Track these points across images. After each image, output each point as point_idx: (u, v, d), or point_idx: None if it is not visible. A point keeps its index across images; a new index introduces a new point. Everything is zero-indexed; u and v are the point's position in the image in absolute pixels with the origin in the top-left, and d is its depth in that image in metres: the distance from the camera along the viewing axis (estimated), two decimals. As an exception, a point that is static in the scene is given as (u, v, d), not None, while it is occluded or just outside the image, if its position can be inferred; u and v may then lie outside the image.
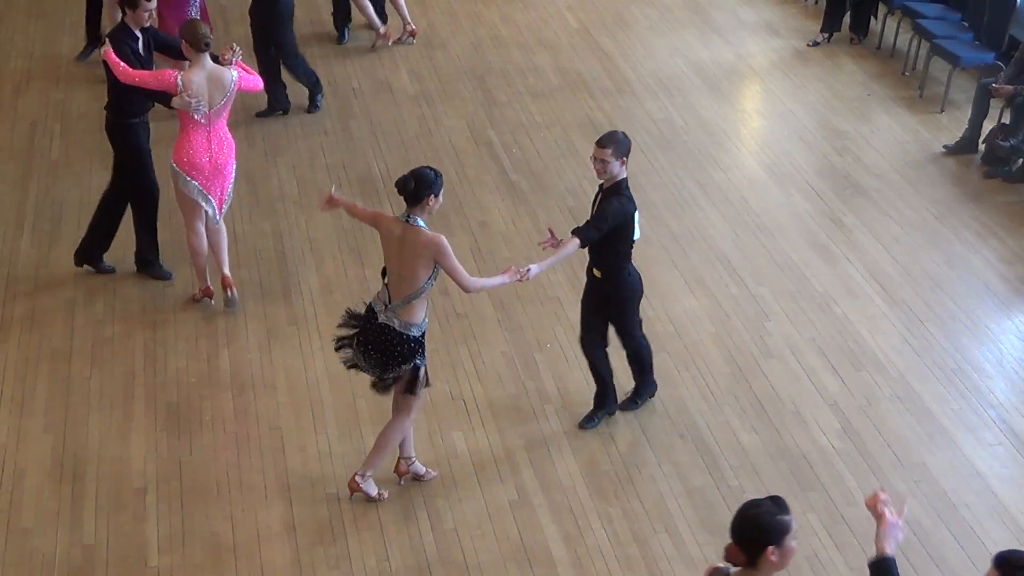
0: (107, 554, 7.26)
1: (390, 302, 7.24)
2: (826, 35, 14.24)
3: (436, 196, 7.12)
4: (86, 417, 8.31)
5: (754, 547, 4.67)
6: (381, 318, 7.26)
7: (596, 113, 12.50)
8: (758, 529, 4.68)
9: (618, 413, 8.48)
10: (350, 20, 13.78)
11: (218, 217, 9.21)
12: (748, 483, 7.93)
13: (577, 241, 7.70)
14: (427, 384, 7.58)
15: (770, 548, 4.66)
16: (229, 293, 9.32)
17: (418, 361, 7.36)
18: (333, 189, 7.76)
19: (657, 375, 8.85)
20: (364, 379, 8.67)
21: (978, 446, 8.35)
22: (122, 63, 8.83)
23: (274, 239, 10.24)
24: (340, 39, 13.71)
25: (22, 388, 8.54)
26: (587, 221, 7.84)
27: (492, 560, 7.32)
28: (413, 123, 12.19)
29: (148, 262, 9.74)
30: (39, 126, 11.88)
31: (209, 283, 9.39)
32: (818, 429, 8.43)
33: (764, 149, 12.05)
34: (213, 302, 9.41)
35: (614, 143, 7.64)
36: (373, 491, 7.64)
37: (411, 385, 7.40)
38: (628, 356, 8.44)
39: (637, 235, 7.99)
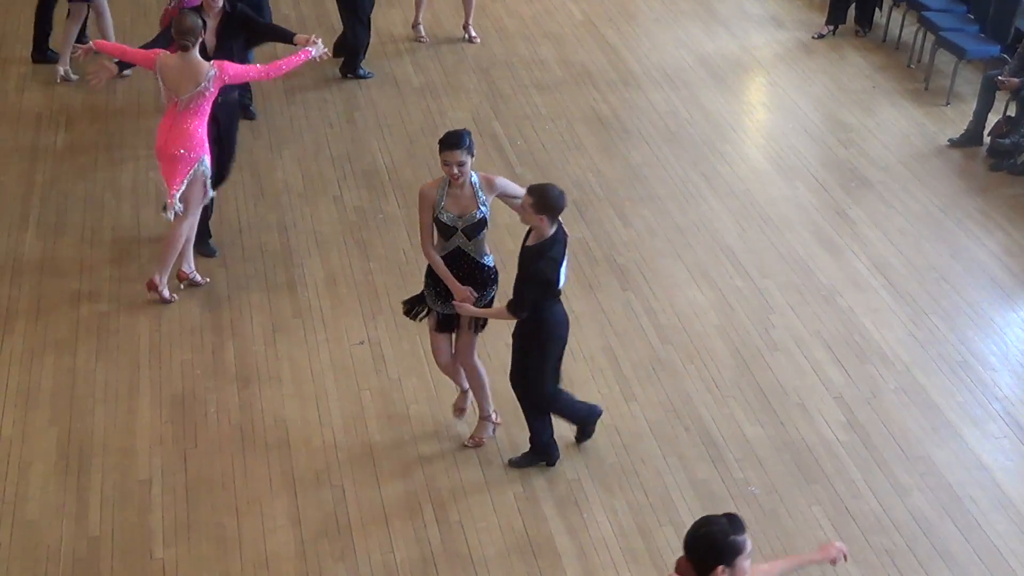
0: (112, 546, 7.27)
1: None
2: (831, 27, 14.22)
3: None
4: (91, 409, 8.32)
5: (704, 565, 4.66)
6: None
7: (601, 106, 12.50)
8: (711, 548, 4.67)
9: (623, 405, 8.48)
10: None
11: (165, 213, 8.96)
12: (753, 476, 7.93)
13: (507, 312, 7.42)
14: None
15: (720, 568, 4.66)
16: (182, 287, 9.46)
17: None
18: None
19: (663, 368, 8.86)
20: (370, 371, 8.71)
21: (983, 439, 8.35)
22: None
23: (279, 231, 10.23)
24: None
25: (27, 380, 8.55)
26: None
27: (497, 552, 7.32)
28: (418, 115, 12.19)
29: (200, 238, 9.70)
30: (44, 118, 11.88)
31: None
32: (823, 422, 8.43)
33: (769, 142, 12.04)
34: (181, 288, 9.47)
35: (538, 195, 7.18)
36: (489, 431, 8.12)
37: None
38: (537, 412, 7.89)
39: (563, 283, 7.46)
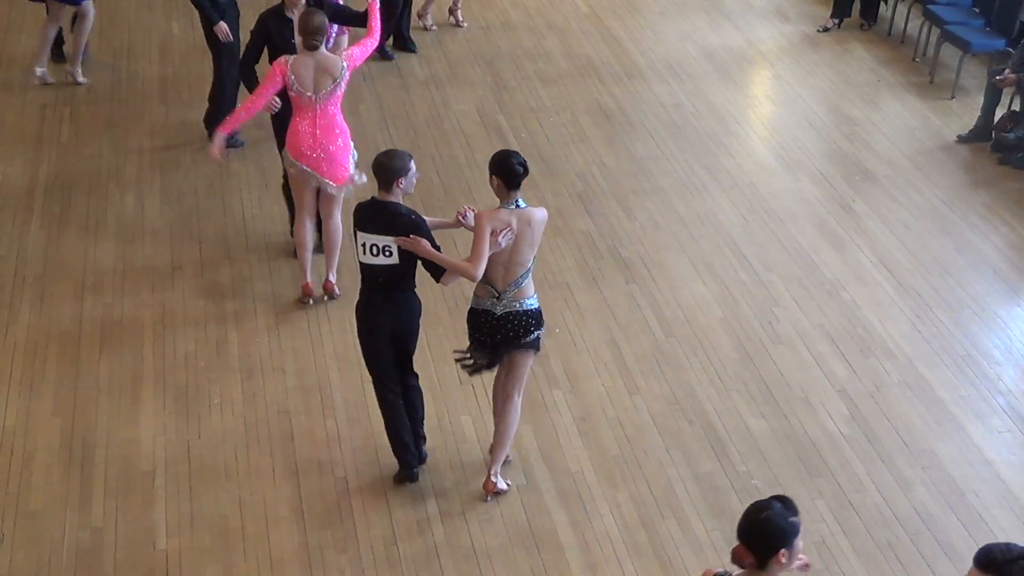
0: (115, 537, 7.28)
1: (500, 294, 7.20)
2: (836, 21, 14.21)
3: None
4: (95, 400, 8.33)
5: (765, 550, 4.68)
6: (499, 311, 7.22)
7: (605, 98, 12.49)
8: (771, 533, 4.68)
9: (627, 398, 8.48)
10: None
11: (335, 188, 9.07)
12: (756, 469, 7.93)
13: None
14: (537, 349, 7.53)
15: (781, 551, 4.68)
16: (326, 297, 9.33)
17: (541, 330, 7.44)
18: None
19: (666, 360, 8.86)
20: (372, 363, 8.70)
21: (987, 433, 8.34)
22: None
23: (283, 223, 10.21)
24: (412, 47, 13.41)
25: (31, 371, 8.56)
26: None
27: (499, 545, 7.32)
28: (423, 107, 12.18)
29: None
30: (49, 108, 11.88)
31: (309, 280, 9.29)
32: (826, 415, 8.42)
33: (773, 135, 12.03)
34: (312, 302, 9.29)
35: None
36: (503, 485, 7.64)
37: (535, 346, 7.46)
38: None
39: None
